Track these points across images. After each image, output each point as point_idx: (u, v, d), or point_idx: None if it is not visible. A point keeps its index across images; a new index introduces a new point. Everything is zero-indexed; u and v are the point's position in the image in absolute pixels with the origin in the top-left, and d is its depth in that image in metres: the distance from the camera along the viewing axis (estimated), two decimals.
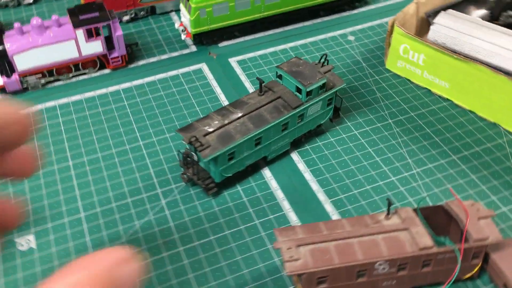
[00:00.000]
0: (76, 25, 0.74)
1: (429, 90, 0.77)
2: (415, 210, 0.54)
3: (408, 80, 0.79)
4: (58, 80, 0.79)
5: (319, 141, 0.70)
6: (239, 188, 0.64)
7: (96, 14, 0.76)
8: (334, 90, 0.67)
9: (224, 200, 0.62)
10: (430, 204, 0.62)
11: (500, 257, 0.54)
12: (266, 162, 0.66)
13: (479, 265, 0.54)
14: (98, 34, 0.76)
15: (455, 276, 0.51)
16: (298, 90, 0.64)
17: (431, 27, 0.75)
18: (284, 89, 0.65)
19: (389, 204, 0.53)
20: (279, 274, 0.55)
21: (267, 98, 0.64)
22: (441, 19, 0.74)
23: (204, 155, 0.58)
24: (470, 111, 0.74)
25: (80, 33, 0.75)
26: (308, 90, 0.63)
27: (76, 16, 0.75)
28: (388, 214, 0.53)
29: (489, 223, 0.53)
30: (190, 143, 0.59)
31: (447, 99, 0.75)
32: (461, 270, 0.53)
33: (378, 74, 0.81)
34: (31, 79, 0.77)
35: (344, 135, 0.71)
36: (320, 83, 0.64)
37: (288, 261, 0.49)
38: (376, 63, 0.82)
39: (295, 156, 0.68)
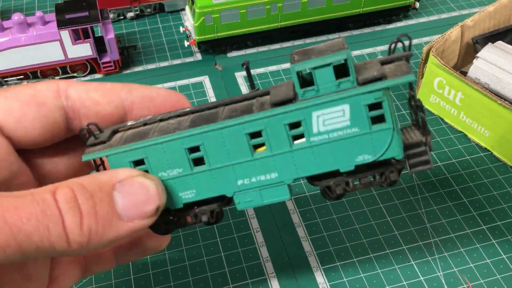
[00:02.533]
0: (61, 25, 0.65)
1: (465, 135, 0.64)
2: None
3: (442, 119, 0.66)
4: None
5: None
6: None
7: (86, 13, 0.66)
8: (380, 85, 0.32)
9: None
10: (445, 285, 0.50)
11: None
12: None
13: None
14: (86, 36, 0.67)
15: None
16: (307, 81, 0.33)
17: (474, 61, 0.62)
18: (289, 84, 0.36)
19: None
20: None
21: (252, 93, 0.36)
22: (487, 53, 0.61)
23: (85, 152, 0.37)
24: None
25: (66, 34, 0.66)
26: (298, 69, 0.32)
27: (63, 13, 0.66)
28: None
29: None
30: (81, 132, 0.37)
31: (486, 149, 0.63)
32: None
33: (406, 108, 0.68)
34: (12, 80, 0.69)
35: (364, 208, 0.59)
36: (333, 58, 0.31)
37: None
38: (406, 93, 0.70)
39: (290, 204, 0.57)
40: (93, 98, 0.37)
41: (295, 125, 0.33)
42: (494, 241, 0.54)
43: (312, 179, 0.36)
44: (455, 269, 0.52)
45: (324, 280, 0.51)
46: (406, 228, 0.55)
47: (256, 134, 0.34)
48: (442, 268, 0.52)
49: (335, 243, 0.54)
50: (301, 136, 0.34)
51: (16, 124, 0.35)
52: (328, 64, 0.31)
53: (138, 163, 0.35)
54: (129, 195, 0.32)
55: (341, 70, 0.32)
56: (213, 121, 0.34)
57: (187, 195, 0.36)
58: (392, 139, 0.33)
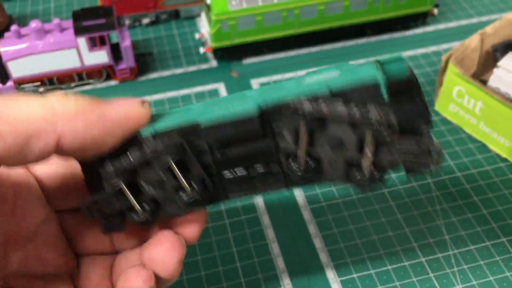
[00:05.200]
0: (78, 32, 0.66)
1: (485, 145, 0.63)
2: None
3: (461, 128, 0.65)
4: (59, 88, 0.71)
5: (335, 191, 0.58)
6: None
7: (102, 20, 0.66)
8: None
9: None
10: None
11: None
12: None
13: None
14: (103, 43, 0.67)
15: None
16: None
17: (494, 70, 0.60)
18: None
19: None
20: None
21: None
22: (508, 61, 0.60)
23: None
24: None
25: (82, 41, 0.66)
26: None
27: (80, 21, 0.66)
28: None
29: None
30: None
31: (506, 159, 0.61)
32: None
33: None
34: (28, 87, 0.69)
35: (375, 205, 0.58)
36: None
37: None
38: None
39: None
40: None
41: None
42: (504, 239, 0.53)
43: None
44: (475, 282, 0.51)
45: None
46: (424, 239, 0.54)
47: None
48: (462, 281, 0.51)
49: (352, 253, 0.53)
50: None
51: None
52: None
53: None
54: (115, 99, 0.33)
55: None
56: None
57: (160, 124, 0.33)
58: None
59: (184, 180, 0.33)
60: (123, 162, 0.32)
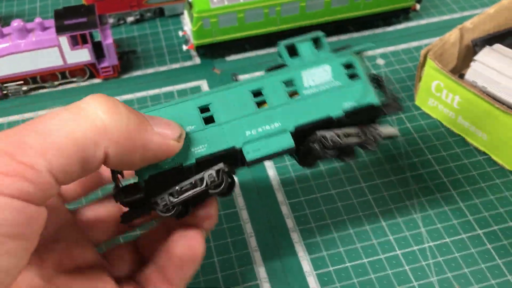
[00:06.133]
0: (60, 31, 0.66)
1: (464, 139, 0.63)
2: None
3: (440, 122, 0.66)
4: (42, 87, 0.72)
5: (312, 179, 0.59)
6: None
7: (84, 19, 0.67)
8: (348, 50, 0.43)
9: None
10: None
11: None
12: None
13: None
14: (85, 42, 0.68)
15: None
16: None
17: (471, 64, 0.61)
18: None
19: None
20: None
21: None
22: (484, 56, 0.60)
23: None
24: (511, 172, 0.60)
25: (64, 40, 0.67)
26: (285, 44, 0.43)
27: (62, 19, 0.67)
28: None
29: None
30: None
31: (484, 153, 0.62)
32: None
33: (405, 111, 0.68)
34: (12, 86, 0.70)
35: (347, 188, 0.59)
36: (312, 35, 0.43)
37: None
38: (405, 97, 0.69)
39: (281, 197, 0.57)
40: None
41: (289, 82, 0.41)
42: (489, 246, 0.53)
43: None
44: (449, 274, 0.51)
45: (305, 253, 0.51)
46: (400, 232, 0.55)
47: (258, 93, 0.40)
48: (436, 274, 0.51)
49: (317, 219, 0.54)
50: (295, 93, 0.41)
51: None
52: (309, 39, 0.43)
53: None
54: (158, 121, 0.34)
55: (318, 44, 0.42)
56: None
57: (199, 150, 0.37)
58: (367, 89, 0.41)
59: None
60: (176, 196, 0.38)
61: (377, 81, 0.43)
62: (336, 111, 0.41)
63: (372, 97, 0.42)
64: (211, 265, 0.52)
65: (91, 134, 0.30)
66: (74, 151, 0.29)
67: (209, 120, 0.38)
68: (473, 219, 0.56)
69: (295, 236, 0.55)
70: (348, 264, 0.52)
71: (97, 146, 0.30)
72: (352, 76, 0.42)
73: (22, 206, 0.27)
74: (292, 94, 0.41)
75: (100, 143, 0.30)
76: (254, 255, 0.53)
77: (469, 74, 0.61)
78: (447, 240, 0.54)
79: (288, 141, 0.39)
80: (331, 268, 0.52)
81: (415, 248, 0.53)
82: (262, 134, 0.39)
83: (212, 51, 0.74)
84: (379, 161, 0.62)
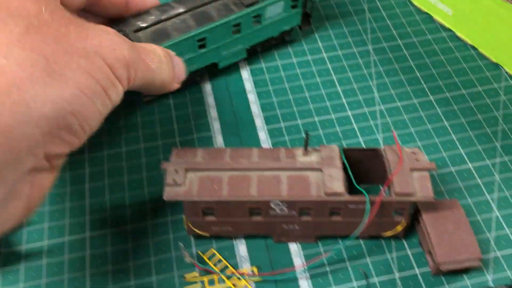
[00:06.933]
0: None
1: (431, 16, 0.64)
2: (347, 150, 0.46)
3: (409, 1, 0.66)
4: None
5: (279, 59, 0.61)
6: (170, 100, 0.57)
7: None
8: None
9: (151, 111, 0.56)
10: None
11: (430, 219, 0.45)
12: (212, 73, 0.59)
13: (405, 225, 0.45)
14: None
15: (360, 227, 0.42)
16: None
17: None
18: None
19: (307, 137, 0.44)
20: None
21: None
22: None
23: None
24: (472, 47, 0.61)
25: None
26: None
27: None
28: (305, 149, 0.45)
29: (424, 177, 0.43)
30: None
31: (449, 29, 0.62)
32: (381, 225, 0.45)
33: None
34: None
35: (309, 57, 0.61)
36: None
37: (169, 185, 0.43)
38: None
39: (245, 73, 0.60)
40: None
41: (257, 16, 0.55)
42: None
43: None
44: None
45: (267, 137, 0.54)
46: (354, 96, 0.57)
47: (237, 25, 0.55)
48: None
49: (283, 107, 0.56)
50: (259, 18, 0.56)
51: None
52: None
53: None
54: (178, 65, 0.45)
55: None
56: (211, 20, 0.53)
57: (193, 67, 0.55)
58: (301, 16, 0.59)
59: None
60: None
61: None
62: (276, 33, 0.59)
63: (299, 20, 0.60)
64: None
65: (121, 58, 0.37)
66: None
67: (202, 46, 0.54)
68: (427, 87, 0.58)
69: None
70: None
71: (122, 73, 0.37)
72: (293, 7, 0.57)
73: None
74: (256, 23, 0.56)
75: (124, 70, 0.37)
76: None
77: None
78: (399, 104, 0.56)
79: (243, 54, 0.58)
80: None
81: (365, 110, 0.56)
82: (232, 52, 0.57)
83: None
84: (342, 34, 0.63)
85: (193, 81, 0.58)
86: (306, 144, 0.45)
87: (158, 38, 0.52)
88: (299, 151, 0.45)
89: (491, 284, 0.44)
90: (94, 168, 0.51)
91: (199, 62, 0.56)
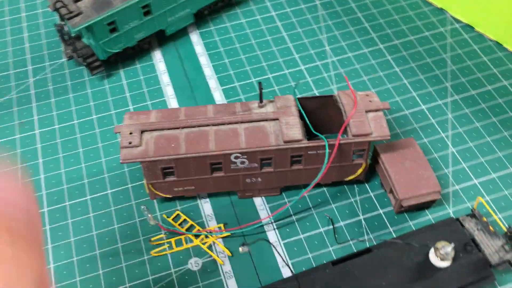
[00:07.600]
0: None
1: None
2: (302, 98, 0.46)
3: None
4: None
5: (228, 21, 0.60)
6: (120, 70, 0.56)
7: None
8: None
9: (101, 83, 0.55)
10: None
11: (389, 159, 0.45)
12: (161, 39, 0.57)
13: (364, 166, 0.45)
14: None
15: (321, 171, 0.43)
16: None
17: None
18: None
19: (260, 88, 0.44)
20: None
21: None
22: None
23: (73, 23, 0.50)
24: (442, 9, 0.62)
25: None
26: None
27: None
28: (260, 101, 0.45)
29: (379, 117, 0.44)
30: (56, 10, 0.51)
31: (430, 3, 0.63)
32: (342, 170, 0.45)
33: None
34: None
35: (258, 16, 0.60)
36: None
37: (124, 147, 0.42)
38: None
39: (194, 37, 0.59)
40: None
41: None
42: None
43: None
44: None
45: (222, 98, 0.53)
46: (305, 51, 0.57)
47: None
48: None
49: (236, 67, 0.56)
50: None
51: None
52: None
53: (110, 23, 0.52)
54: None
55: None
56: None
57: (139, 35, 0.54)
58: None
59: None
60: None
61: None
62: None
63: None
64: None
65: None
66: None
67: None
68: (376, 37, 0.58)
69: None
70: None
71: None
72: None
73: None
74: None
75: None
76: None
77: None
78: (350, 54, 0.57)
79: (191, 20, 0.58)
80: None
81: (318, 63, 0.56)
82: (177, 18, 0.56)
83: None
84: None
85: (141, 49, 0.57)
86: (260, 96, 0.44)
87: (100, 7, 0.51)
88: (254, 104, 0.45)
89: (452, 216, 0.45)
90: (46, 142, 0.50)
91: (146, 30, 0.55)
